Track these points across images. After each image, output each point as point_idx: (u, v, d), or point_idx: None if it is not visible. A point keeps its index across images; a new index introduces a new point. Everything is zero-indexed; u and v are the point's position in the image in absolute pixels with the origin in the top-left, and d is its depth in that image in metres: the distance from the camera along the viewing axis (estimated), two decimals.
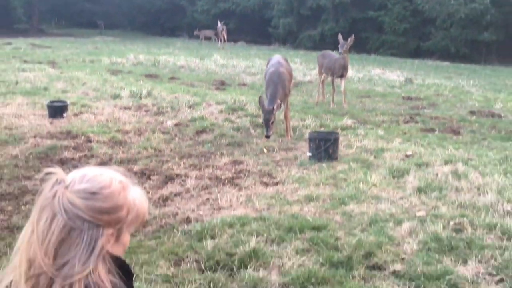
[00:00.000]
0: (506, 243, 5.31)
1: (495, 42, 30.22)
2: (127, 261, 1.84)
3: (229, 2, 39.24)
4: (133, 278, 1.84)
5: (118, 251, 1.74)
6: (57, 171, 1.67)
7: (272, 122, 8.93)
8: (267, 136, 8.85)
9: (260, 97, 9.16)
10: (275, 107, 8.86)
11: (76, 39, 34.50)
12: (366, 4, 33.41)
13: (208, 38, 36.04)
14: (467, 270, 4.78)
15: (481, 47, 30.71)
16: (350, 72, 16.30)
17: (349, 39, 12.64)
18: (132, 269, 1.84)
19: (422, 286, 4.48)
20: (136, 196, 1.74)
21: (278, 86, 9.31)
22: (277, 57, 10.42)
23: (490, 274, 4.74)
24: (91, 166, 1.78)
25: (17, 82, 14.51)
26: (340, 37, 12.87)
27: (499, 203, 6.35)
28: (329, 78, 13.19)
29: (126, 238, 1.75)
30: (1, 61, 19.81)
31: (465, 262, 4.93)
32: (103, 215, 1.63)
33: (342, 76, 12.96)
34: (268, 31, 38.03)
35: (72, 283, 1.57)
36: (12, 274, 1.65)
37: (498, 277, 4.66)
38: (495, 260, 4.96)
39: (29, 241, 1.61)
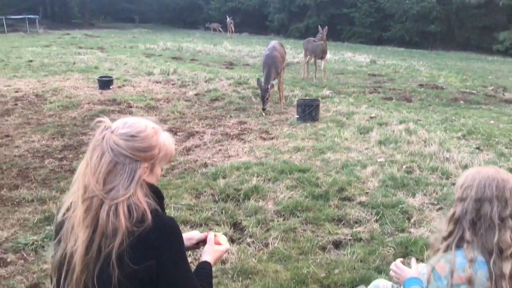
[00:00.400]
0: (445, 181, 5.35)
1: (439, 32, 29.96)
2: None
3: (235, 1, 38.55)
4: (164, 200, 1.85)
5: (152, 180, 1.77)
6: (105, 120, 1.71)
7: (267, 98, 8.77)
8: (263, 109, 8.75)
9: (258, 79, 8.96)
10: (269, 87, 8.77)
11: (119, 31, 34.03)
12: (341, 2, 32.88)
13: (215, 30, 35.91)
14: (415, 201, 4.82)
15: (429, 36, 30.42)
16: (328, 55, 16.08)
17: (323, 29, 12.50)
18: (164, 197, 1.86)
19: (381, 212, 4.52)
20: (165, 139, 1.77)
21: (272, 68, 9.13)
22: (273, 43, 10.21)
23: (432, 204, 4.79)
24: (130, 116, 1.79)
25: (74, 63, 14.35)
26: (319, 28, 12.72)
27: (440, 152, 6.36)
28: (312, 60, 13.04)
29: (158, 171, 1.78)
30: (62, 47, 19.62)
31: (413, 195, 4.97)
32: (140, 152, 1.66)
33: (322, 58, 12.81)
34: (266, 24, 37.61)
35: (117, 203, 1.60)
36: (72, 197, 1.67)
37: (438, 206, 4.71)
38: (436, 193, 5.01)
39: (84, 172, 1.63)
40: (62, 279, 1.63)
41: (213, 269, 3.56)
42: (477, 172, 1.96)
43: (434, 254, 2.02)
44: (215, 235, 2.12)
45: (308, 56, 13.08)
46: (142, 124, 1.71)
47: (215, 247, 2.06)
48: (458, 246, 1.93)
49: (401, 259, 2.43)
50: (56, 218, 1.75)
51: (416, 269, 2.34)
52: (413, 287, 2.21)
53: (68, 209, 1.68)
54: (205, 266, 1.95)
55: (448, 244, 1.96)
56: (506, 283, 1.84)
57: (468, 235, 1.91)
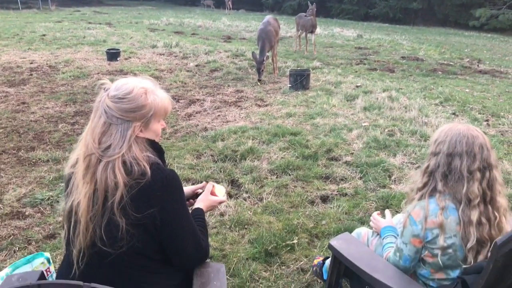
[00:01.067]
0: (423, 143, 5.34)
1: (421, 9, 29.51)
2: (166, 156, 1.83)
3: None
4: (164, 154, 1.82)
5: (150, 135, 1.72)
6: (106, 81, 1.67)
7: (262, 70, 8.63)
8: (259, 80, 8.63)
9: (253, 52, 8.76)
10: (264, 59, 8.63)
11: (125, 8, 33.33)
12: None
13: (209, 6, 35.88)
14: (396, 160, 4.82)
15: (411, 13, 29.96)
16: (318, 30, 15.95)
17: (313, 5, 12.24)
18: (166, 157, 1.83)
19: (365, 170, 4.52)
20: (158, 96, 1.69)
21: (266, 41, 8.92)
22: (267, 18, 9.89)
23: (411, 163, 4.79)
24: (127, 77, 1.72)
25: (84, 37, 14.08)
26: (309, 3, 12.46)
27: (419, 117, 6.33)
28: (303, 34, 12.86)
29: (155, 126, 1.71)
30: (73, 23, 19.20)
31: (394, 155, 4.97)
32: (129, 113, 1.62)
33: (312, 32, 12.60)
34: (261, 2, 36.87)
35: (113, 160, 1.58)
36: (77, 154, 1.66)
37: (416, 165, 4.70)
38: (415, 154, 5.00)
39: (87, 132, 1.63)
40: (71, 228, 1.63)
41: (213, 220, 3.59)
42: (449, 129, 1.95)
43: (409, 203, 2.04)
44: (213, 186, 2.10)
45: (300, 31, 12.87)
46: (131, 85, 1.65)
47: (209, 197, 2.05)
48: (431, 195, 1.94)
49: (378, 212, 2.49)
50: (64, 172, 1.74)
51: (390, 220, 2.39)
52: (387, 234, 2.27)
53: (73, 165, 1.67)
54: (198, 212, 1.94)
55: (422, 194, 1.97)
56: (473, 229, 1.86)
57: (440, 186, 1.92)
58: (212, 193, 2.06)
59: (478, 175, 1.86)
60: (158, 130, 1.74)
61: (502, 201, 1.91)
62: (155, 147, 1.74)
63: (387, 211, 2.48)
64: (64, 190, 1.71)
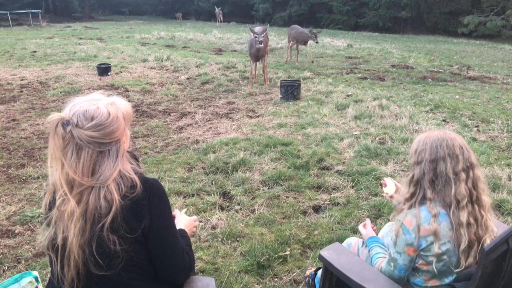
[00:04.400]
0: None
1: (410, 18, 29.86)
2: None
3: None
4: (139, 162, 1.80)
5: (127, 142, 1.69)
6: (54, 115, 1.55)
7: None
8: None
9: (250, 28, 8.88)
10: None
11: (116, 23, 33.45)
12: None
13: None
14: (387, 168, 4.82)
15: (400, 22, 30.31)
16: (310, 41, 15.98)
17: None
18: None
19: (356, 179, 4.52)
20: (121, 103, 1.65)
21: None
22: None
23: (403, 170, 4.80)
24: (79, 97, 1.63)
25: (75, 52, 14.06)
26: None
27: (410, 125, 6.36)
28: (295, 45, 12.94)
29: (128, 132, 1.70)
30: (63, 38, 19.20)
31: (386, 163, 4.98)
32: (115, 133, 1.58)
33: (305, 44, 12.73)
34: (252, 14, 37.19)
35: (108, 184, 1.55)
36: (49, 195, 1.61)
37: (408, 173, 4.70)
38: (406, 161, 5.01)
39: (63, 172, 1.52)
40: (59, 257, 1.58)
41: (205, 233, 3.57)
42: (426, 137, 1.98)
43: (397, 215, 2.04)
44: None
45: (291, 42, 12.96)
46: (102, 109, 1.57)
47: (184, 217, 2.12)
48: (421, 203, 1.95)
49: (363, 223, 2.50)
50: (42, 210, 1.67)
51: (370, 230, 2.41)
52: (373, 244, 2.29)
53: (48, 204, 1.61)
54: (181, 232, 1.95)
55: (411, 204, 1.97)
56: (464, 230, 1.86)
57: (429, 193, 1.93)
58: None
59: (463, 175, 1.88)
60: (129, 134, 1.72)
61: (486, 199, 1.93)
62: (132, 155, 1.74)
63: (367, 220, 2.49)
64: (44, 219, 1.64)
